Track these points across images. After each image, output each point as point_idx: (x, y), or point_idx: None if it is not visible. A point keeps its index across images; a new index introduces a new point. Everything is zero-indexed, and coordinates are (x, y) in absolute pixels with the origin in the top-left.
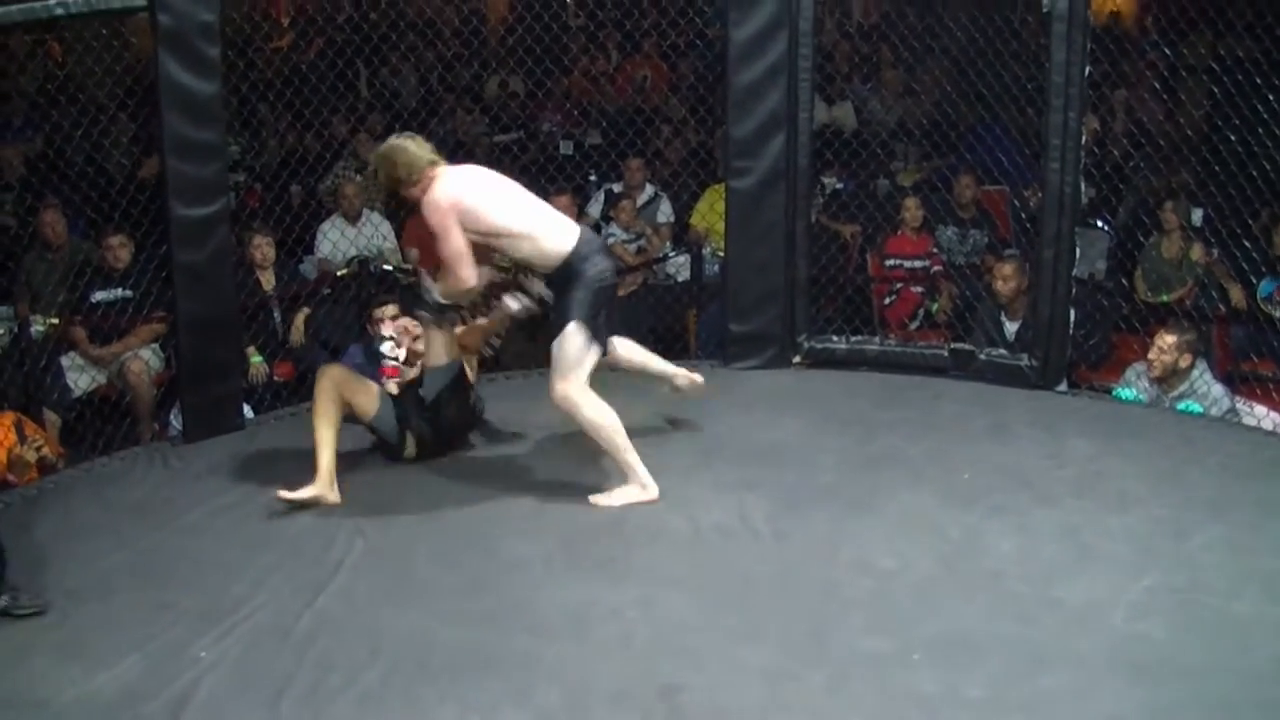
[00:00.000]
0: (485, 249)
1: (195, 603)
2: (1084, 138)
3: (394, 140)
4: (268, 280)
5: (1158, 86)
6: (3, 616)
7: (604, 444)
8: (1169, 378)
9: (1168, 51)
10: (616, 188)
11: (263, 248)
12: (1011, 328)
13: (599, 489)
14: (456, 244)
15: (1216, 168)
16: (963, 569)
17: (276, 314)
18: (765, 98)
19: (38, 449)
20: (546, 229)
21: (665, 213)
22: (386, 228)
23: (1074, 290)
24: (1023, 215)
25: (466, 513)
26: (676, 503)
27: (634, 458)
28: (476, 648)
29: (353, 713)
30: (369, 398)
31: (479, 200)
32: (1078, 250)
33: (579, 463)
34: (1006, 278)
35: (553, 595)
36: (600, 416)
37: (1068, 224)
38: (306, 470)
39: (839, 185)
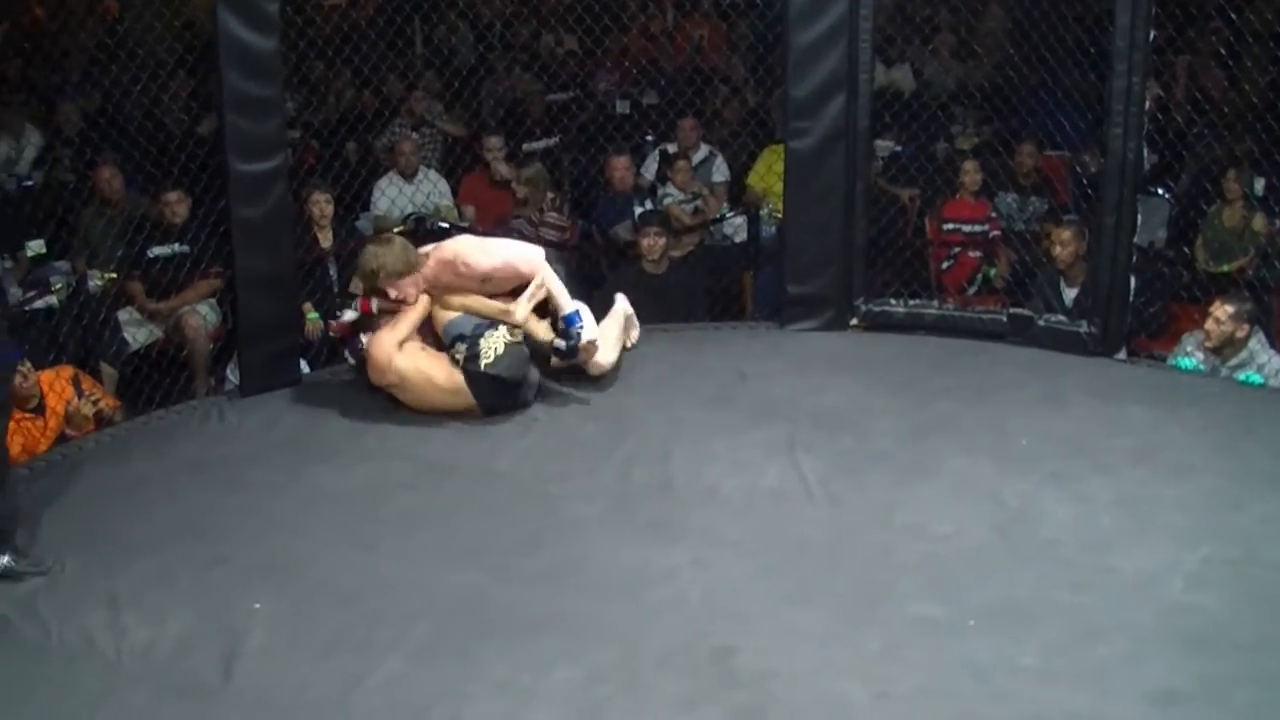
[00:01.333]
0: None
1: (248, 557)
2: (1147, 103)
3: (383, 249)
4: (325, 237)
5: (1222, 52)
6: (3, 579)
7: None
8: (1224, 348)
9: (1234, 17)
10: (671, 148)
11: (320, 204)
12: (1070, 294)
13: (657, 451)
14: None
15: None
16: (1018, 536)
17: (333, 270)
18: (825, 58)
19: (94, 403)
20: None
21: (721, 171)
22: (443, 185)
23: (1134, 258)
24: (1084, 181)
25: (521, 471)
26: (731, 465)
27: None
28: (529, 606)
29: (404, 668)
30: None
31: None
32: (1139, 218)
33: (634, 423)
34: (1064, 243)
35: (606, 555)
36: None
37: (1129, 191)
38: (361, 426)
39: (897, 149)
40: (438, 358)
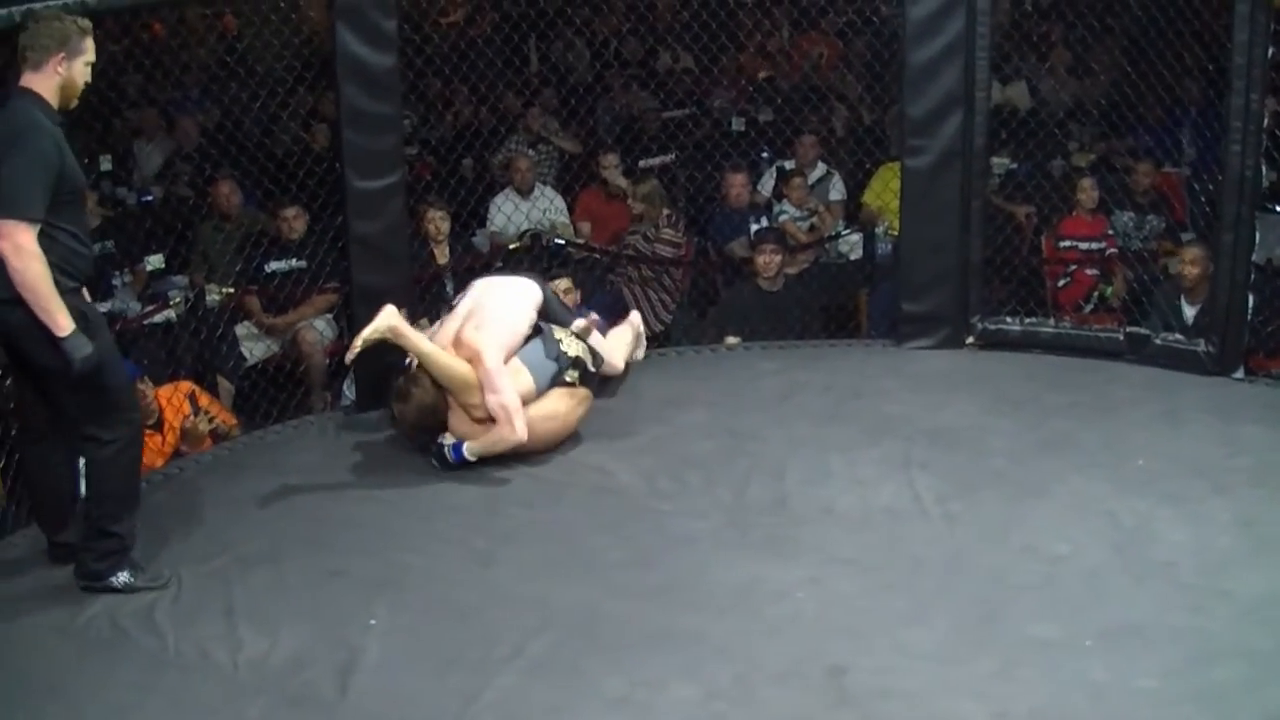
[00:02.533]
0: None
1: (365, 570)
2: (1265, 120)
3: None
4: (441, 253)
5: None
6: (122, 593)
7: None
8: None
9: None
10: (789, 165)
11: (436, 221)
12: (1190, 312)
13: (773, 468)
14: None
15: None
16: (1134, 557)
17: (450, 286)
18: (942, 76)
19: (210, 420)
20: None
21: (837, 189)
22: (559, 201)
23: (1252, 276)
24: (1202, 199)
25: (636, 488)
26: (846, 482)
27: None
28: (644, 622)
29: (520, 683)
30: None
31: None
32: (1257, 235)
33: (750, 440)
34: (1193, 262)
35: (721, 572)
36: None
37: (1248, 208)
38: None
39: (1013, 166)
40: (549, 398)
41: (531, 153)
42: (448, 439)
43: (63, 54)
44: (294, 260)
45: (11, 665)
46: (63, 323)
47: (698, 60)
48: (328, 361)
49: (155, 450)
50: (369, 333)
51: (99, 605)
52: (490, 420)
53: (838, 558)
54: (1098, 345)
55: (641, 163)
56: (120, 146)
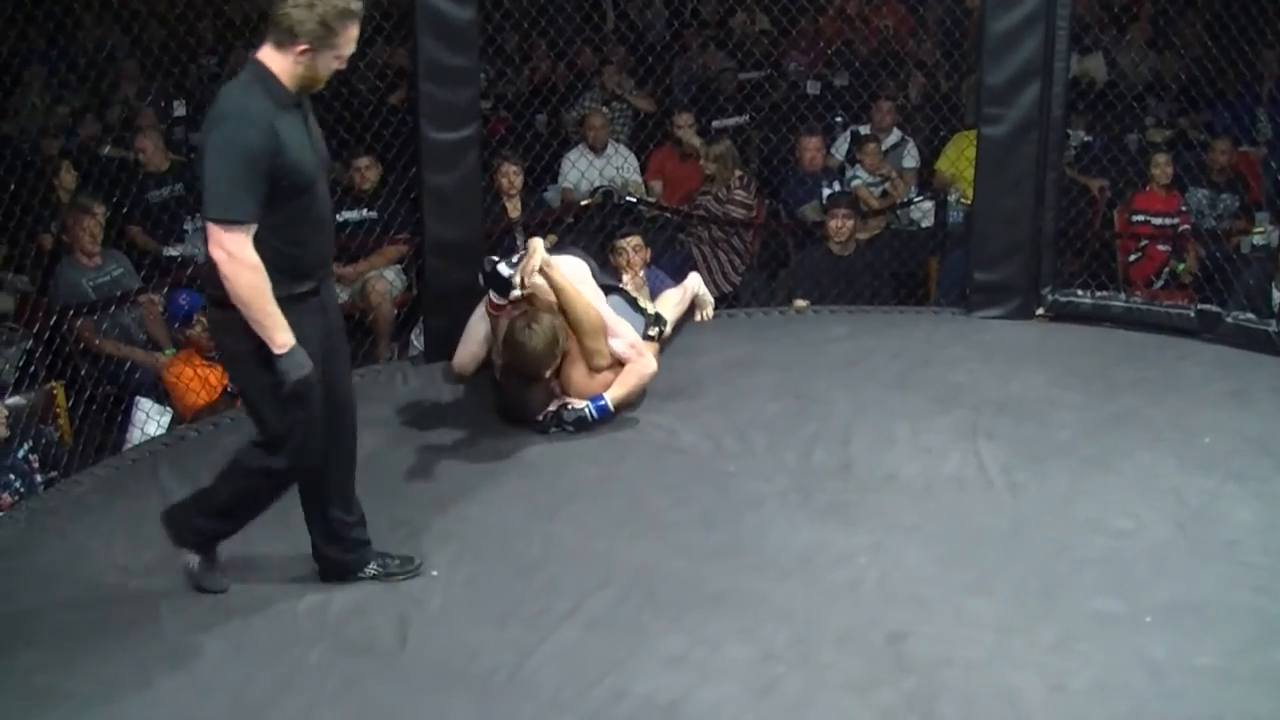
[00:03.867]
0: None
1: (427, 521)
2: None
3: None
4: (514, 207)
5: None
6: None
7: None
8: None
9: None
10: (864, 130)
11: (510, 175)
12: (1278, 297)
13: (838, 433)
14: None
15: None
16: (1199, 535)
17: (520, 240)
18: (1021, 45)
19: None
20: None
21: (911, 157)
22: (632, 160)
23: None
24: (1279, 176)
25: (702, 448)
26: (912, 450)
27: None
28: (705, 582)
29: (579, 638)
30: None
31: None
32: None
33: (817, 405)
34: None
35: (784, 535)
36: None
37: None
38: None
39: (1088, 139)
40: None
41: (606, 110)
42: (576, 401)
43: (306, 47)
44: (365, 210)
45: (72, 605)
46: (279, 339)
47: (775, 22)
48: (396, 312)
49: (216, 382)
50: (535, 268)
51: (160, 549)
52: (606, 369)
53: (901, 525)
54: (1168, 321)
55: (715, 123)
56: (197, 92)
